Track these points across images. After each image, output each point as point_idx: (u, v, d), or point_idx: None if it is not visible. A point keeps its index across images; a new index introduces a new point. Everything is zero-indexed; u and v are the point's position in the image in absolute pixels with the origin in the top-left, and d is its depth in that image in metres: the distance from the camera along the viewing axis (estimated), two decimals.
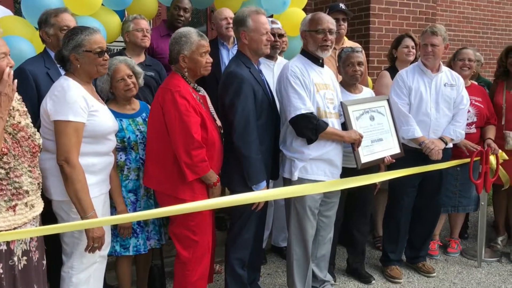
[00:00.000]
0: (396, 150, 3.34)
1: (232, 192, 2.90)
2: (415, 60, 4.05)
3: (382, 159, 3.24)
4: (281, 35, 3.79)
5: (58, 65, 2.58)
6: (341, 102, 3.09)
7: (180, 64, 2.70)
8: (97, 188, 2.48)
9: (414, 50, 4.11)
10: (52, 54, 2.81)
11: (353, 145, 3.03)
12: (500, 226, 4.44)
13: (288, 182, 3.04)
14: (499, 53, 4.30)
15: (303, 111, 2.84)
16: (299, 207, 3.03)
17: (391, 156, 3.27)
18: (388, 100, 3.43)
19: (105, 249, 2.62)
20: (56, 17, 2.82)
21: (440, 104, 3.54)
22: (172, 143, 2.61)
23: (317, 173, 2.99)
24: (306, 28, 3.00)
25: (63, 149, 2.30)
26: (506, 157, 3.85)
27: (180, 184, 2.65)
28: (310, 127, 2.87)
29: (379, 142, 3.25)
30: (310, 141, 2.92)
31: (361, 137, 3.02)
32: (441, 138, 3.53)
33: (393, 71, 4.08)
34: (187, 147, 2.57)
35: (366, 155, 3.13)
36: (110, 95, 2.88)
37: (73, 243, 2.47)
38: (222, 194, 2.98)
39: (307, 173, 2.97)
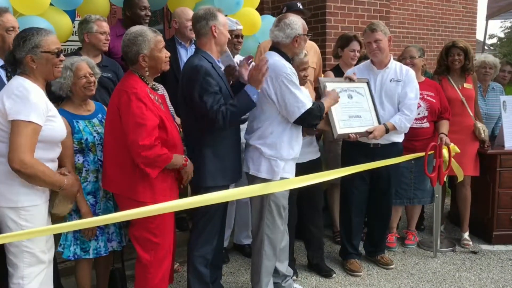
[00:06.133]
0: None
1: (202, 188, 2.87)
2: (358, 62, 4.15)
3: (357, 134, 3.38)
4: (242, 36, 3.87)
5: (2, 68, 2.47)
6: (318, 79, 3.26)
7: (140, 64, 2.65)
8: (45, 193, 2.43)
9: (358, 54, 4.21)
10: None
11: (329, 117, 3.27)
12: (465, 223, 4.46)
13: (256, 180, 3.02)
14: None
15: (310, 105, 2.93)
16: (273, 207, 3.05)
17: (367, 130, 3.43)
18: (368, 83, 3.59)
19: (50, 252, 2.54)
20: (0, 17, 2.71)
21: (384, 100, 3.63)
22: (128, 145, 2.56)
23: (289, 172, 3.05)
24: (302, 33, 3.03)
25: (20, 150, 2.22)
26: (458, 150, 3.99)
27: (140, 186, 2.61)
28: (318, 115, 3.00)
29: (357, 118, 3.42)
30: (314, 126, 3.11)
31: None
32: (384, 125, 3.54)
33: (337, 71, 4.18)
34: (138, 149, 2.51)
35: (342, 127, 3.31)
36: (69, 93, 2.78)
37: (21, 252, 2.37)
38: (185, 193, 2.96)
39: (284, 172, 3.02)
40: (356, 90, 3.49)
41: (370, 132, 3.43)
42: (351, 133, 3.36)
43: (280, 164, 2.97)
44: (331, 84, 3.33)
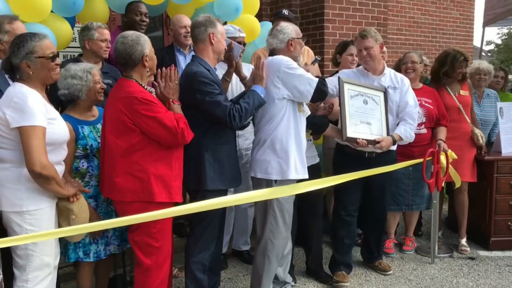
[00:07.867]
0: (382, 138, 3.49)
1: (205, 191, 2.89)
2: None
3: (364, 141, 3.36)
4: (245, 44, 3.87)
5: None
6: (338, 77, 3.31)
7: (143, 64, 2.68)
8: (50, 197, 2.44)
9: (357, 58, 4.21)
10: None
11: (341, 118, 3.31)
12: (463, 229, 4.46)
13: (263, 183, 3.04)
14: None
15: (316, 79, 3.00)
16: (277, 212, 3.06)
17: (376, 139, 3.41)
18: (384, 92, 3.58)
19: (56, 259, 2.56)
20: (10, 24, 2.75)
21: None
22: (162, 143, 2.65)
23: (301, 173, 3.08)
24: (295, 36, 3.13)
25: (38, 152, 2.26)
26: (455, 157, 4.01)
27: (155, 187, 2.62)
28: (324, 88, 3.04)
29: (367, 125, 3.41)
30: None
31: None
32: (391, 136, 3.53)
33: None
34: (187, 137, 2.68)
35: (353, 131, 3.32)
36: (83, 96, 2.80)
37: (26, 255, 2.38)
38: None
39: (297, 173, 3.05)
40: (373, 97, 3.48)
41: (378, 142, 3.41)
42: (360, 139, 3.34)
43: (291, 162, 2.99)
44: (350, 86, 3.35)
